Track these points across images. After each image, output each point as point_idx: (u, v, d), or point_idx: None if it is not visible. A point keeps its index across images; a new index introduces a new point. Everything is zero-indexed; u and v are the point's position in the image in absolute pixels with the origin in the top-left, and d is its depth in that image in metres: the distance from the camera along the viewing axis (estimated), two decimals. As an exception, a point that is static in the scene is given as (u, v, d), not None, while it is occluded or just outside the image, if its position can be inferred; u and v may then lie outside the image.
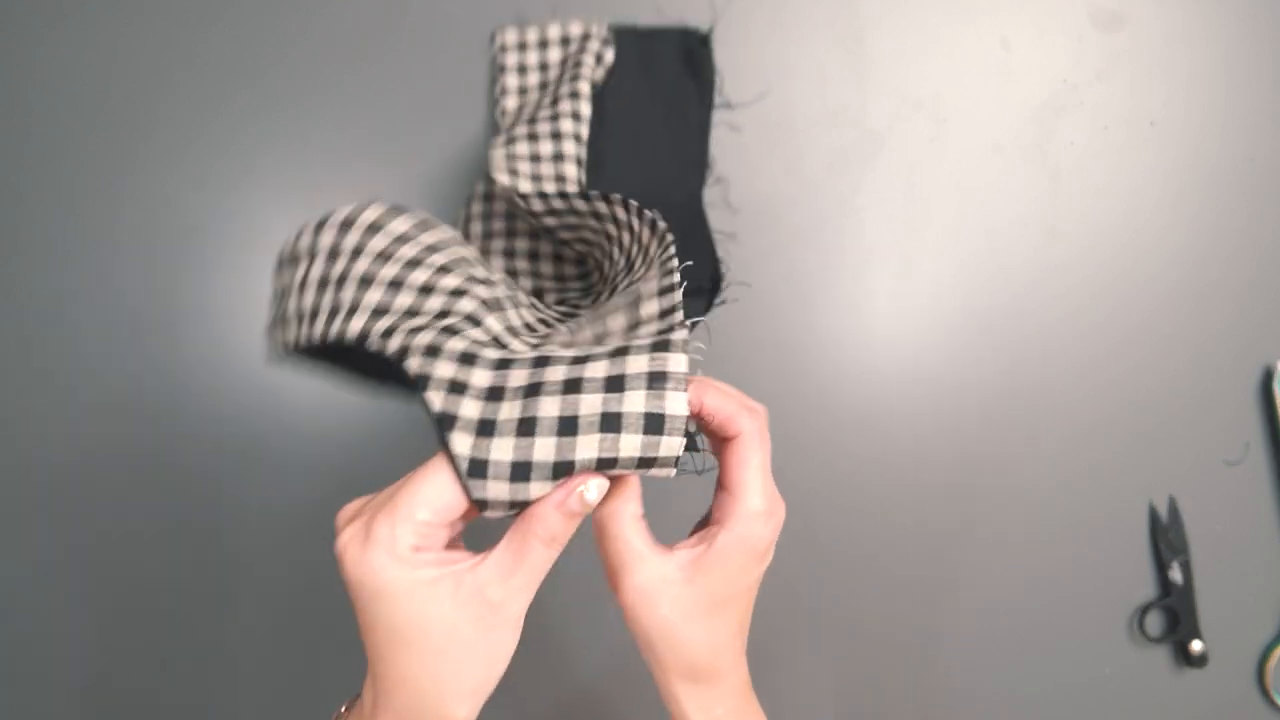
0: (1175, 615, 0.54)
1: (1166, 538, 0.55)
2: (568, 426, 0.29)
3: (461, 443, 0.29)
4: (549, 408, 0.30)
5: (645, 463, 0.30)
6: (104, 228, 0.56)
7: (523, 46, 0.52)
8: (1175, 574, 0.54)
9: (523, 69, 0.51)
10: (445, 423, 0.30)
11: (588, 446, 0.29)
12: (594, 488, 0.30)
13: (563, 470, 0.29)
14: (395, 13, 0.56)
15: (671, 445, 0.29)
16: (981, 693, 0.55)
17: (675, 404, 0.29)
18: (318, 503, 0.55)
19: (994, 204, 0.56)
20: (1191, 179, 0.56)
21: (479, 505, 0.30)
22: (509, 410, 0.30)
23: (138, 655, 0.55)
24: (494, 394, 0.30)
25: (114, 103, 0.57)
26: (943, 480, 0.55)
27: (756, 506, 0.33)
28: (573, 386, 0.30)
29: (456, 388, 0.30)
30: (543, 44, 0.52)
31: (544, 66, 0.52)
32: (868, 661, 0.54)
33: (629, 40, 0.53)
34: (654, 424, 0.29)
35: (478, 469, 0.29)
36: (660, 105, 0.52)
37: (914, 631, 0.55)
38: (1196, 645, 0.54)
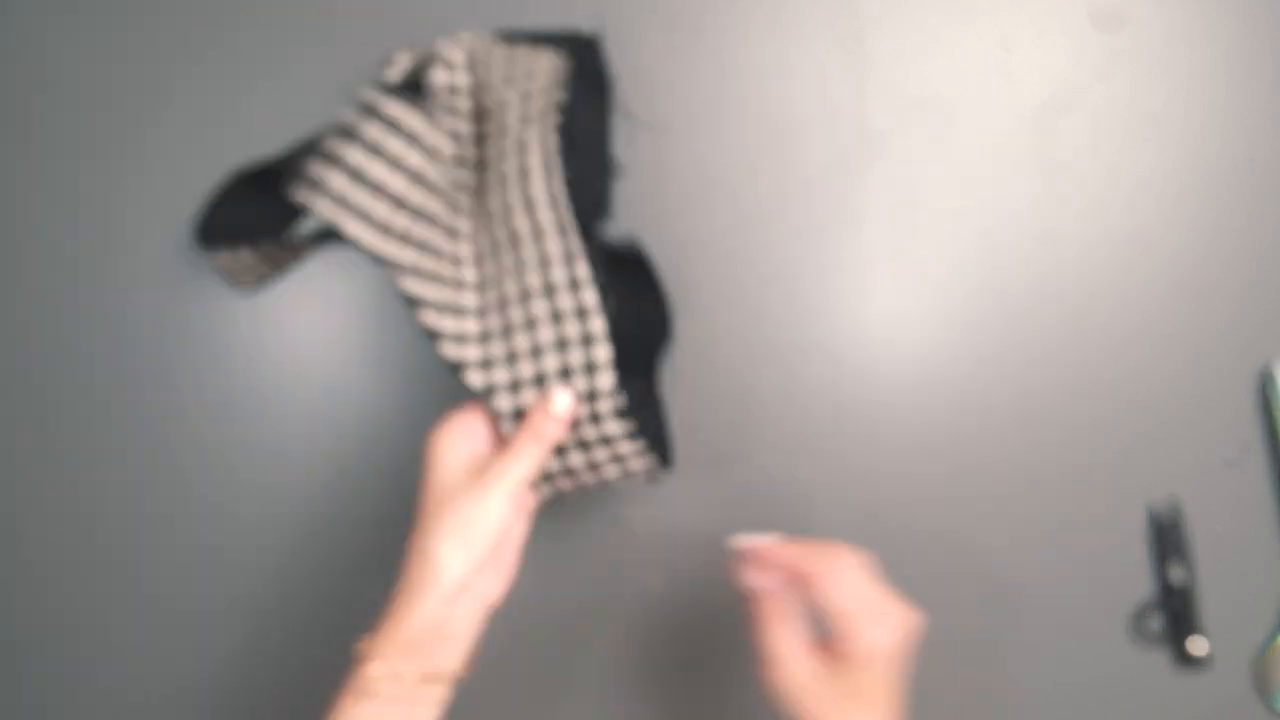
0: (1175, 615, 0.54)
1: (1166, 538, 0.55)
2: (538, 352, 0.43)
3: (475, 377, 0.43)
4: (520, 343, 0.43)
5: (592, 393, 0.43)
6: (102, 227, 0.56)
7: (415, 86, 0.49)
8: (1175, 574, 0.54)
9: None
10: (460, 368, 0.43)
11: (550, 361, 0.43)
12: (563, 398, 0.42)
13: (539, 380, 0.43)
14: (396, 12, 0.56)
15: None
16: (981, 692, 0.55)
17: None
18: (318, 492, 0.55)
19: (994, 204, 0.56)
20: (1191, 179, 0.56)
21: (493, 413, 0.43)
22: (498, 349, 0.44)
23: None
24: (482, 337, 0.44)
25: (113, 102, 0.57)
26: (942, 480, 0.55)
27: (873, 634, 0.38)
28: (531, 325, 0.43)
29: (459, 339, 0.44)
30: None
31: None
32: (868, 661, 0.54)
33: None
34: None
35: (488, 392, 0.43)
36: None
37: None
38: (1196, 645, 0.54)
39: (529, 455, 0.41)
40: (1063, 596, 0.55)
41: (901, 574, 0.55)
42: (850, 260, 0.56)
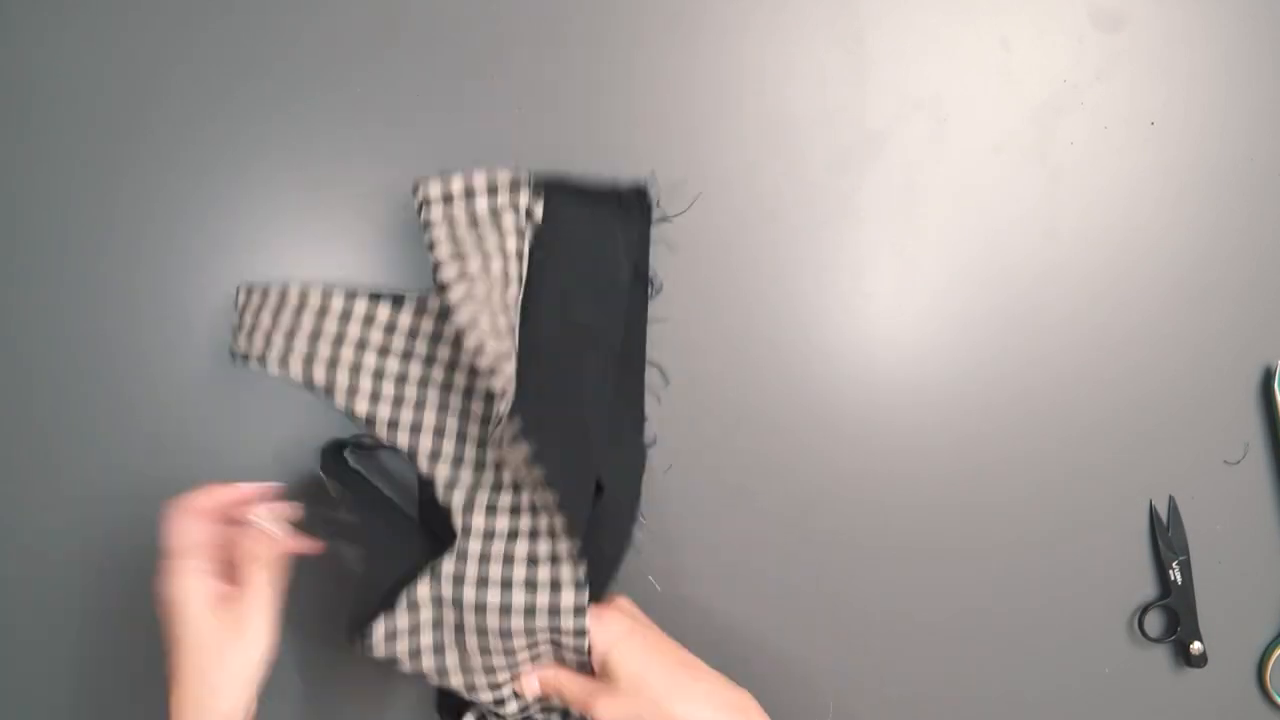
0: (1175, 615, 0.54)
1: (1166, 538, 0.55)
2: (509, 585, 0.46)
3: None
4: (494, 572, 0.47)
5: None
6: (100, 224, 0.56)
7: (448, 199, 0.47)
8: (1175, 574, 0.54)
9: (452, 223, 0.46)
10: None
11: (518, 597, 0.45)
12: (265, 513, 0.42)
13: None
14: (396, 10, 0.56)
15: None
16: (982, 693, 0.55)
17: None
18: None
19: (994, 204, 0.56)
20: (1191, 179, 0.56)
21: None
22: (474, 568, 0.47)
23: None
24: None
25: (111, 99, 0.57)
26: (942, 480, 0.55)
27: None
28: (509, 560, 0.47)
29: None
30: (468, 193, 0.47)
31: (474, 222, 0.47)
32: (868, 662, 0.54)
33: (560, 195, 0.48)
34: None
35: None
36: (591, 272, 0.48)
37: (914, 631, 0.55)
38: (1196, 645, 0.54)
39: (265, 581, 0.41)
40: (1063, 596, 0.55)
41: (901, 574, 0.55)
42: (850, 260, 0.56)
